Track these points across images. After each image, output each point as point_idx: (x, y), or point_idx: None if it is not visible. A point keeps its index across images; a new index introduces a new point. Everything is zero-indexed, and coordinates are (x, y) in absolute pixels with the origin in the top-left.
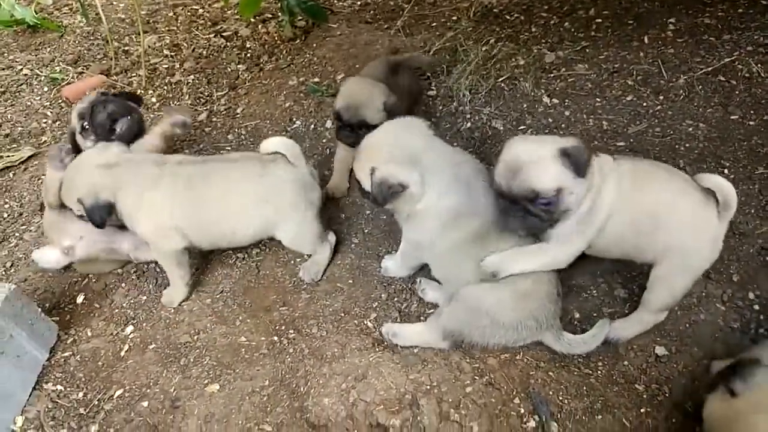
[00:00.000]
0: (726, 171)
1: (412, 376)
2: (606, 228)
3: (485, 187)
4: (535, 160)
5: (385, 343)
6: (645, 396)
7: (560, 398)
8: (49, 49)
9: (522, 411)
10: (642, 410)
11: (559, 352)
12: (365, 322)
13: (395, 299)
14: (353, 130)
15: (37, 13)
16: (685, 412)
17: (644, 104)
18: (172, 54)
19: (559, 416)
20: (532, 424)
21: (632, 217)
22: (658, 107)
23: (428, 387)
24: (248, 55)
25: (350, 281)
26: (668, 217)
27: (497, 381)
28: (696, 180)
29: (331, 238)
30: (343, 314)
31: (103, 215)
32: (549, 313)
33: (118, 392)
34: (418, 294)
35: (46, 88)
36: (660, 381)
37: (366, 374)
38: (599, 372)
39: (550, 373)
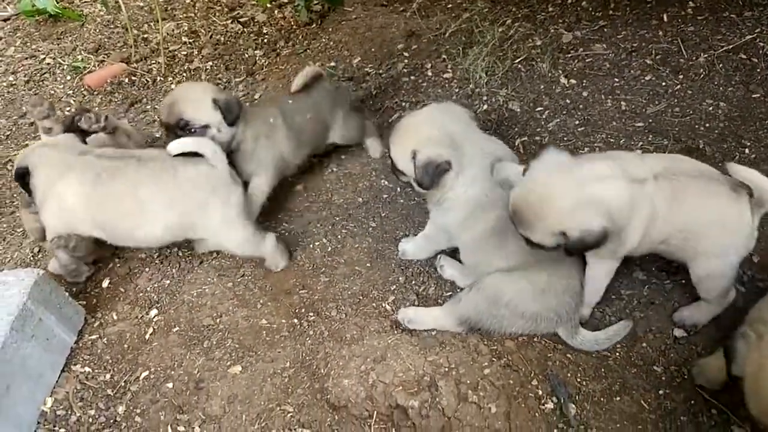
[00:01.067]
0: (747, 150)
1: (430, 358)
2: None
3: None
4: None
5: (404, 326)
6: (664, 378)
7: (578, 380)
8: (70, 38)
9: (540, 392)
10: (660, 392)
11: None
12: (383, 305)
13: (413, 282)
14: (176, 133)
15: (58, 3)
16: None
17: (663, 84)
18: (191, 41)
19: (576, 398)
20: (550, 405)
21: (665, 235)
22: (678, 86)
23: (446, 369)
24: (265, 40)
25: (368, 265)
26: (701, 228)
27: (515, 363)
28: (728, 169)
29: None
30: (361, 297)
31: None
32: (569, 308)
33: (144, 374)
34: (436, 270)
35: (68, 77)
36: (679, 363)
37: (385, 356)
38: (617, 354)
39: (568, 355)
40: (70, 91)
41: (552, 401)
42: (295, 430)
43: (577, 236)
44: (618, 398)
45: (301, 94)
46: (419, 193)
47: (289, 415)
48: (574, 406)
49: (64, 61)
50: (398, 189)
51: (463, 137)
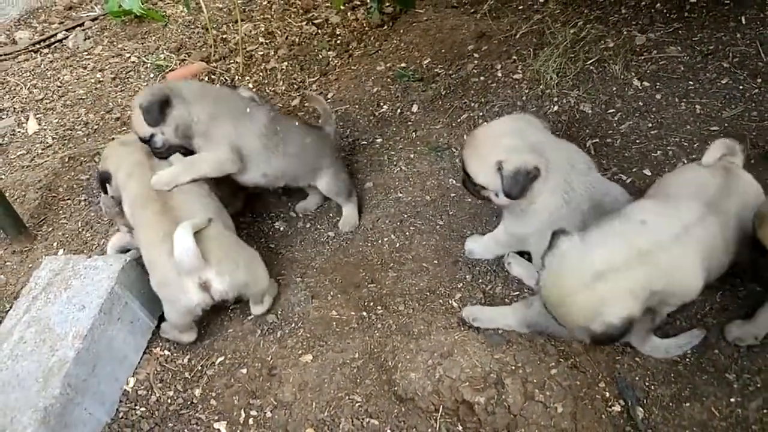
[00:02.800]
0: None
1: (497, 355)
2: None
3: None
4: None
5: (470, 323)
6: (736, 386)
7: (647, 384)
8: (154, 37)
9: (607, 395)
10: (732, 400)
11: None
12: (450, 302)
13: (480, 281)
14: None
15: (143, 4)
16: None
17: (740, 87)
18: (267, 41)
19: (645, 402)
20: (617, 408)
21: None
22: (755, 90)
23: (513, 367)
24: (338, 41)
25: (435, 262)
26: None
27: (582, 364)
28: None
29: None
30: (428, 293)
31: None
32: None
33: (220, 359)
34: (503, 269)
35: (152, 75)
36: (752, 371)
37: (452, 352)
38: (688, 360)
39: (637, 359)
40: None
41: (619, 404)
42: (362, 419)
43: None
44: (688, 404)
45: (307, 125)
46: (499, 205)
47: (357, 404)
48: (642, 409)
49: (147, 59)
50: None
51: (543, 145)
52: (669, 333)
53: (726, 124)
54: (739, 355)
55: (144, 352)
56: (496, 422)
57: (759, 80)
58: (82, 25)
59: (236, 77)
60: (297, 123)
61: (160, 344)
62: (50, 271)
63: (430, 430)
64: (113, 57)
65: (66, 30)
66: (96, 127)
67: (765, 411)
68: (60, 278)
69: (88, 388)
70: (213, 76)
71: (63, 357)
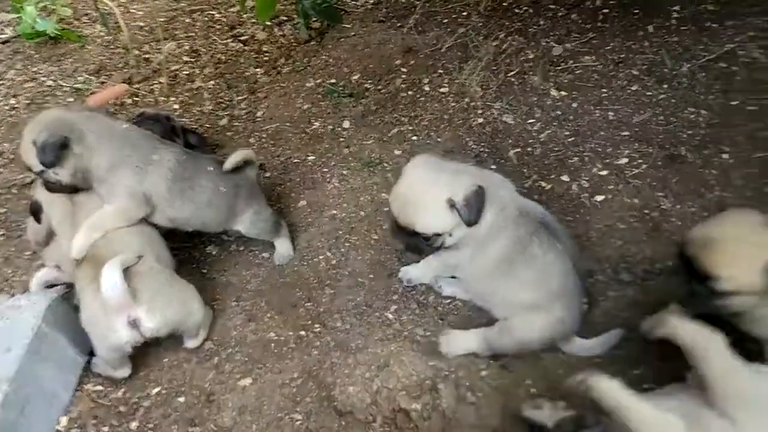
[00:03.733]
0: (725, 156)
1: (431, 363)
2: None
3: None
4: None
5: (405, 333)
6: (646, 373)
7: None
8: (71, 59)
9: (533, 392)
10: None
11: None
12: (386, 314)
13: (413, 292)
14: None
15: (57, 24)
16: None
17: (648, 93)
18: (192, 60)
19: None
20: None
21: None
22: (662, 96)
23: (446, 373)
24: (265, 58)
25: (371, 276)
26: None
27: (511, 364)
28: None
29: None
30: (365, 307)
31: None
32: (574, 330)
33: (155, 390)
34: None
35: (71, 99)
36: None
37: (388, 363)
38: (604, 355)
39: (560, 355)
40: None
41: (545, 399)
42: None
43: None
44: None
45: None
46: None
47: (297, 422)
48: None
49: (65, 83)
50: None
51: (462, 169)
52: (588, 332)
53: (636, 129)
54: (648, 344)
55: (75, 390)
56: (432, 427)
57: (665, 86)
58: None
59: (160, 99)
60: (212, 167)
61: (92, 380)
62: None
63: None
64: (27, 81)
65: None
66: (12, 156)
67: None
68: None
69: (19, 431)
70: (136, 98)
71: None
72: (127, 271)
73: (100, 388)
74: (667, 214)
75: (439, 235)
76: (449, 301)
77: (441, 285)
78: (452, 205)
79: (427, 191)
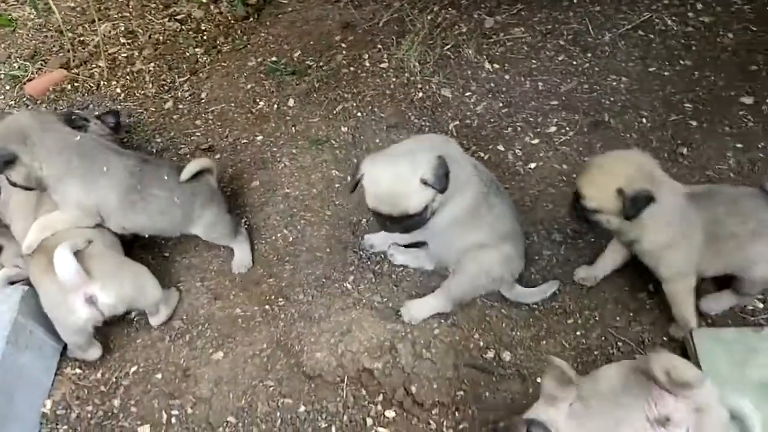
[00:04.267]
0: (644, 120)
1: (389, 326)
2: None
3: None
4: None
5: (364, 301)
6: (579, 321)
7: (511, 330)
8: (3, 45)
9: (481, 344)
10: (578, 333)
11: (509, 299)
12: (345, 285)
13: (368, 262)
14: None
15: None
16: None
17: (574, 63)
18: (129, 42)
19: (512, 344)
20: (490, 354)
21: None
22: (587, 65)
23: (403, 333)
24: (204, 37)
25: (327, 250)
26: None
27: (460, 322)
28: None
29: None
30: (324, 280)
31: None
32: (520, 269)
33: (133, 369)
34: (388, 258)
35: (8, 86)
36: (591, 308)
37: (350, 329)
38: (542, 306)
39: (503, 311)
40: (12, 102)
41: (492, 349)
42: (277, 400)
43: None
44: (544, 342)
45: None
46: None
47: (271, 388)
48: (508, 352)
49: (0, 70)
50: (349, 178)
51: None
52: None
53: (563, 98)
54: (581, 296)
55: (55, 374)
56: (394, 382)
57: (589, 55)
58: None
59: (101, 83)
60: (167, 176)
61: (70, 364)
62: None
63: (338, 398)
64: None
65: None
66: None
67: (603, 339)
68: None
69: (8, 417)
70: (76, 83)
71: None
72: (78, 255)
73: (79, 371)
74: None
75: (425, 208)
76: (401, 269)
77: (393, 254)
78: (425, 182)
79: (403, 182)
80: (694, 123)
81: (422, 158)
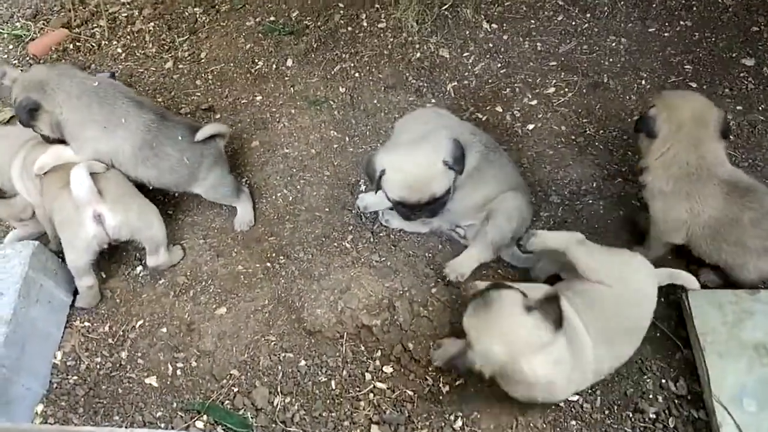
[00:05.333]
0: (643, 82)
1: (387, 284)
2: None
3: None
4: None
5: (362, 260)
6: None
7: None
8: (5, 4)
9: None
10: None
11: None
12: (344, 244)
13: (365, 222)
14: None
15: None
16: None
17: (573, 23)
18: (129, 1)
19: None
20: None
21: None
22: (586, 25)
23: (401, 292)
24: None
25: (326, 210)
26: None
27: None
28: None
29: None
30: (324, 239)
31: None
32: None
33: (139, 323)
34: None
35: (11, 46)
36: None
37: (349, 287)
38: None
39: (499, 271)
40: (15, 61)
41: None
42: (279, 354)
43: None
44: None
45: (193, 136)
46: None
47: (272, 343)
48: None
49: (3, 30)
50: (347, 139)
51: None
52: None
53: (562, 59)
54: None
55: (65, 327)
56: (392, 339)
57: (588, 15)
58: None
59: (102, 42)
60: (180, 137)
61: (79, 317)
62: None
63: (337, 354)
64: None
65: None
66: None
67: None
68: None
69: (21, 367)
70: (78, 43)
71: None
72: (94, 177)
73: (87, 324)
74: (591, 138)
75: (448, 190)
76: (399, 230)
77: (388, 219)
78: (447, 164)
79: (429, 167)
80: (694, 85)
81: (440, 141)
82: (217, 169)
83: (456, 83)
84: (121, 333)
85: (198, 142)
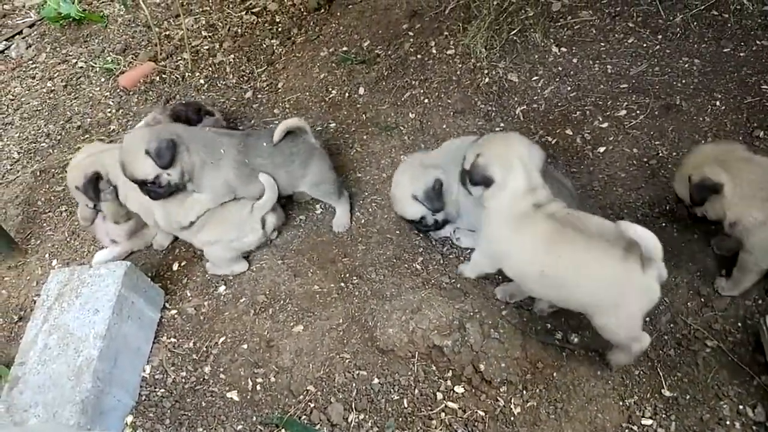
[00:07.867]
0: (717, 103)
1: (457, 306)
2: None
3: None
4: None
5: (433, 282)
6: None
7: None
8: (96, 40)
9: (549, 326)
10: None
11: None
12: (414, 265)
13: (435, 244)
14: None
15: (78, 4)
16: None
17: (644, 45)
18: (210, 35)
19: (578, 327)
20: (558, 336)
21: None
22: (657, 47)
23: (471, 313)
24: (279, 29)
25: (397, 232)
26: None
27: (526, 303)
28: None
29: None
30: (395, 260)
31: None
32: None
33: (221, 339)
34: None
35: (102, 79)
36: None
37: (420, 307)
38: None
39: None
40: (107, 93)
41: (559, 332)
42: (353, 372)
43: None
44: None
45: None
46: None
47: (347, 360)
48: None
49: (95, 63)
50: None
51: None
52: None
53: (633, 81)
54: None
55: (153, 343)
56: (462, 359)
57: (660, 37)
58: (20, 33)
59: (186, 74)
60: (265, 144)
61: (166, 334)
62: (58, 282)
63: (409, 372)
64: (60, 63)
65: (5, 40)
66: (59, 137)
67: (673, 324)
68: (69, 288)
69: (113, 379)
70: (164, 75)
71: (88, 356)
72: None
73: (174, 340)
74: (663, 161)
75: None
76: (468, 250)
77: (459, 237)
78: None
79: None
80: None
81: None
82: (313, 165)
83: (525, 107)
84: (205, 349)
85: (282, 143)
